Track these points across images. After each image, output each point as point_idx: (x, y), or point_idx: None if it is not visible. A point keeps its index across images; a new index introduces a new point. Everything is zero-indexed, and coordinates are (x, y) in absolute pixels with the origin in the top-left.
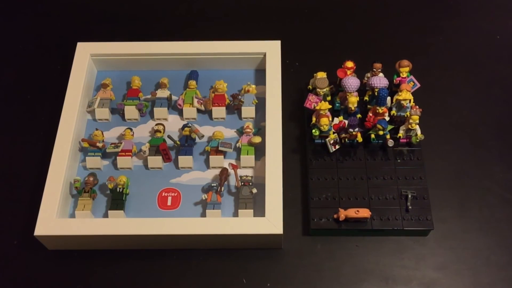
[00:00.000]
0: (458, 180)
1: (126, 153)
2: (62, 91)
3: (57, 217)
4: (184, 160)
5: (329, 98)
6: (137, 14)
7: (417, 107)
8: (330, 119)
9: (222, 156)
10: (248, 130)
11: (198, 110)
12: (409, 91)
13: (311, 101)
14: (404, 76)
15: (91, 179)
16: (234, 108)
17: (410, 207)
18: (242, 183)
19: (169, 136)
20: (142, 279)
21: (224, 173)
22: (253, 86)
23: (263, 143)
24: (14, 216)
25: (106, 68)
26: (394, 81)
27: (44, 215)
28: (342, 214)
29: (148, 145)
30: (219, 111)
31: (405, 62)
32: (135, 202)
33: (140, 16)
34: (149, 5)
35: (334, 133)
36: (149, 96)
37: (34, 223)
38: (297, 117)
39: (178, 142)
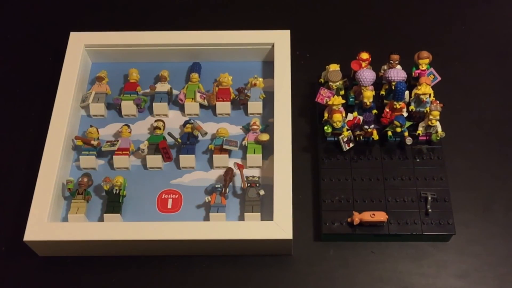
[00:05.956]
0: (481, 181)
1: (123, 152)
2: (54, 85)
3: (48, 221)
4: (186, 160)
5: (342, 92)
6: (135, 1)
7: (438, 102)
8: (344, 115)
9: (227, 155)
10: (255, 126)
11: (201, 106)
12: (429, 85)
13: (323, 96)
14: (423, 68)
15: (85, 180)
16: (239, 103)
17: (430, 210)
18: (249, 184)
19: (169, 134)
20: None
21: (229, 174)
22: (260, 79)
23: (271, 141)
24: (2, 220)
25: (101, 60)
26: (413, 74)
27: (34, 219)
28: (357, 217)
29: (147, 143)
30: (223, 107)
31: (425, 53)
32: (133, 205)
33: (138, 4)
34: None
35: (347, 130)
36: (148, 90)
37: (24, 227)
38: (307, 113)
39: (179, 140)
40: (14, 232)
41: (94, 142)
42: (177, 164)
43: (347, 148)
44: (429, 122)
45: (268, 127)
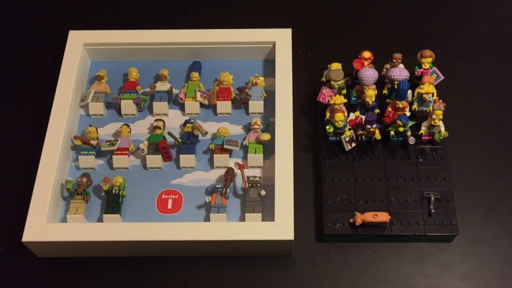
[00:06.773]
0: (485, 181)
1: (123, 152)
2: (53, 84)
3: (47, 221)
4: (186, 159)
5: (344, 91)
6: None
7: (441, 101)
8: (346, 114)
9: (228, 155)
10: (256, 126)
11: (202, 105)
12: (432, 84)
13: (325, 95)
14: (426, 67)
15: (84, 180)
16: (240, 102)
17: (433, 211)
18: (250, 185)
19: (169, 133)
20: None
21: (229, 174)
22: (262, 78)
23: (272, 140)
24: (0, 221)
25: (100, 59)
26: (416, 73)
27: (33, 219)
28: (359, 218)
29: (147, 143)
30: (224, 106)
31: (428, 52)
32: (133, 205)
33: (138, 2)
34: None
35: (350, 129)
36: (147, 89)
37: (22, 228)
38: (309, 112)
39: (180, 140)
40: (12, 233)
41: (93, 142)
42: (177, 164)
43: (349, 148)
44: (432, 122)
45: (269, 127)
